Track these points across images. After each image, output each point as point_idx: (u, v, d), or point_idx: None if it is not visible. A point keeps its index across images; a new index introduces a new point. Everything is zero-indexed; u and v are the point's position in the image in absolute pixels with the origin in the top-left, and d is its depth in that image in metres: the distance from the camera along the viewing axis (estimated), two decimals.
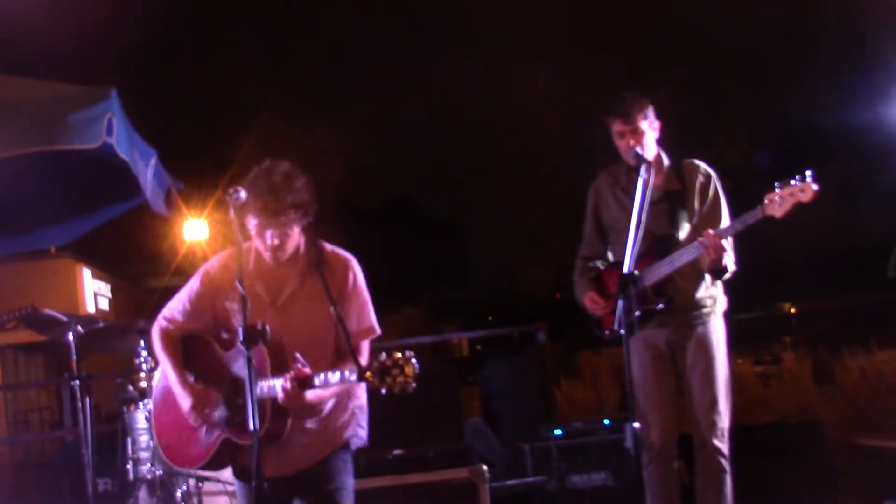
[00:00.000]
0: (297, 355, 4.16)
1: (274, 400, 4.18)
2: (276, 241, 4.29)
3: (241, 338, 3.99)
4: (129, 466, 6.66)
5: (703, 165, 5.69)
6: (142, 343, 6.61)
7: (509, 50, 18.10)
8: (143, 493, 6.50)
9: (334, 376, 4.07)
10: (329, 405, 4.45)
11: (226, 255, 4.55)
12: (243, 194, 4.12)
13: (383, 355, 3.92)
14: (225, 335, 4.46)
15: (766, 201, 5.11)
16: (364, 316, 4.49)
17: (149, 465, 6.52)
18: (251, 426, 3.95)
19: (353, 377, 4.00)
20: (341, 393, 4.43)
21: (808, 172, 5.04)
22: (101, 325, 7.40)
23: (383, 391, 3.89)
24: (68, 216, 7.47)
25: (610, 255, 5.82)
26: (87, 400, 6.42)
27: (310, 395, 4.18)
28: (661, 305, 5.47)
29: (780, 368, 11.90)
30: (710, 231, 5.26)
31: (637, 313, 5.29)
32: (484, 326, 20.33)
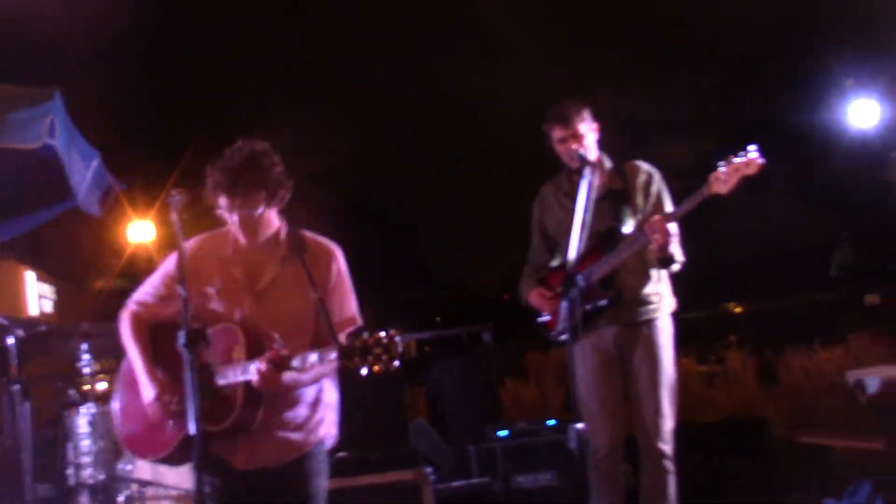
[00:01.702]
0: (276, 336, 4.06)
1: (247, 386, 4.07)
2: (243, 223, 4.21)
3: (182, 341, 3.89)
4: (70, 471, 6.56)
5: (645, 165, 5.72)
6: (84, 347, 6.53)
7: (471, 51, 18.08)
8: (84, 499, 6.42)
9: (313, 356, 3.97)
10: (306, 398, 4.35)
11: (206, 237, 4.45)
12: (184, 197, 4.06)
13: (365, 335, 3.84)
14: (197, 324, 4.18)
15: (710, 179, 5.05)
16: (346, 306, 4.39)
17: (90, 469, 6.44)
18: (192, 429, 3.82)
19: (333, 356, 3.90)
20: (317, 387, 4.36)
21: (751, 146, 5.00)
22: (44, 328, 7.30)
23: (363, 371, 3.80)
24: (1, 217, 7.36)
25: (556, 263, 5.83)
26: (27, 404, 6.32)
27: (287, 378, 4.08)
28: (608, 300, 5.46)
29: (725, 368, 11.99)
30: (656, 216, 5.25)
31: (587, 307, 5.30)
32: (432, 327, 20.30)
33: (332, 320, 4.19)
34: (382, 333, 3.83)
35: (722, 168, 5.02)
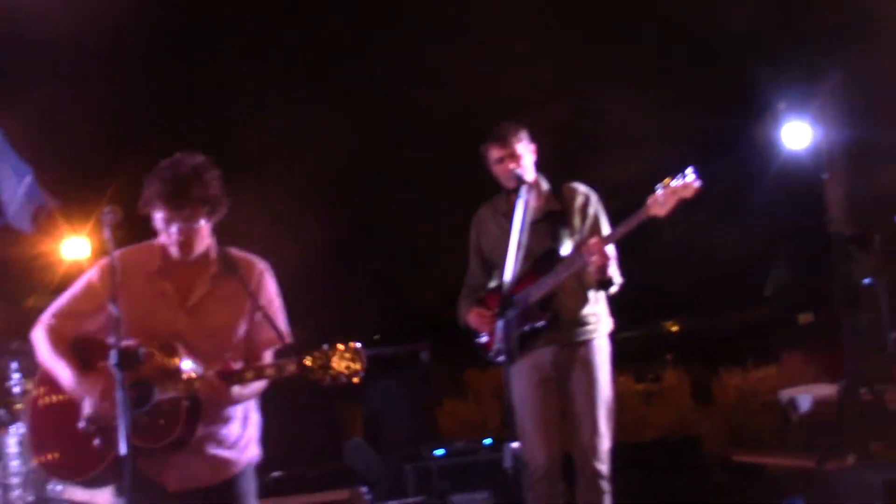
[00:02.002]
0: (216, 351, 4.04)
1: (190, 401, 4.01)
2: (182, 237, 4.12)
3: (114, 360, 3.80)
4: None
5: (582, 187, 5.74)
6: (14, 365, 6.42)
7: (406, 65, 18.05)
8: None
9: (270, 370, 3.96)
10: (238, 415, 4.29)
11: (129, 251, 4.33)
12: (117, 214, 3.99)
13: (325, 346, 3.84)
14: (128, 342, 4.06)
15: (648, 202, 5.11)
16: (278, 322, 4.32)
17: (19, 491, 6.33)
18: (122, 449, 3.70)
19: (292, 367, 3.88)
20: (246, 404, 4.30)
21: (688, 169, 5.06)
22: None
23: (327, 381, 3.80)
24: None
25: (494, 284, 5.84)
26: None
27: (234, 391, 4.04)
28: (545, 321, 5.48)
29: (662, 387, 12.09)
30: (594, 239, 5.29)
31: (525, 328, 5.32)
32: (370, 345, 20.21)
33: (262, 336, 4.18)
34: (342, 346, 3.84)
35: (659, 191, 5.08)
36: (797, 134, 6.16)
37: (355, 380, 3.84)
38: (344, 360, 3.82)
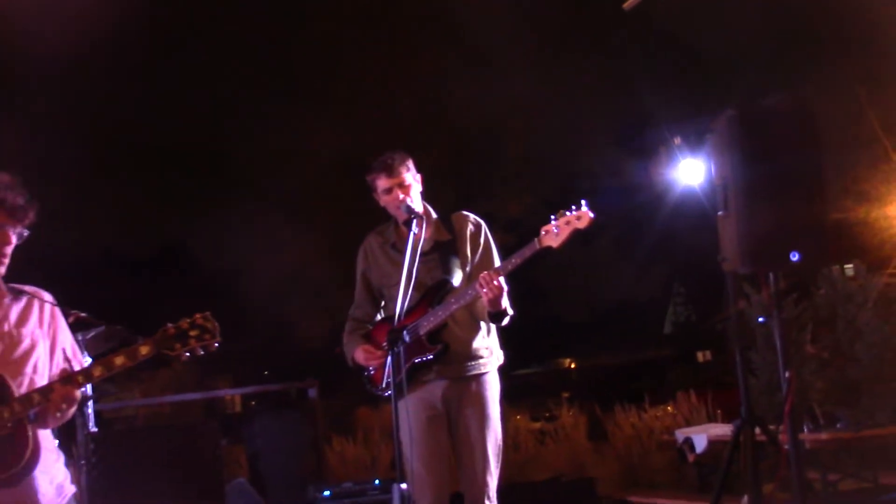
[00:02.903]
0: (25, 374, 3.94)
1: (31, 423, 3.88)
2: None
3: None
4: None
5: (472, 216, 5.74)
6: None
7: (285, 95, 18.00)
8: None
9: (119, 358, 3.86)
10: (53, 443, 4.13)
11: None
12: None
13: (169, 326, 3.84)
14: None
15: (542, 232, 5.13)
16: (68, 347, 4.21)
17: None
18: None
19: (146, 349, 3.83)
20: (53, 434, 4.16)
21: (583, 201, 5.11)
22: None
23: (186, 356, 3.79)
24: None
25: (381, 316, 5.80)
26: None
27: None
28: (435, 354, 5.44)
29: (557, 425, 12.15)
30: (486, 272, 5.29)
31: (414, 360, 5.29)
32: (258, 381, 20.03)
33: (57, 361, 4.09)
34: (189, 320, 3.84)
35: (553, 222, 5.13)
36: (692, 170, 6.27)
37: (215, 344, 3.84)
38: (195, 329, 3.82)
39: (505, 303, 5.32)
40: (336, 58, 17.45)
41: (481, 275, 5.23)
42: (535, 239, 5.15)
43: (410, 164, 5.57)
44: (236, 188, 18.52)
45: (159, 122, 17.14)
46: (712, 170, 4.98)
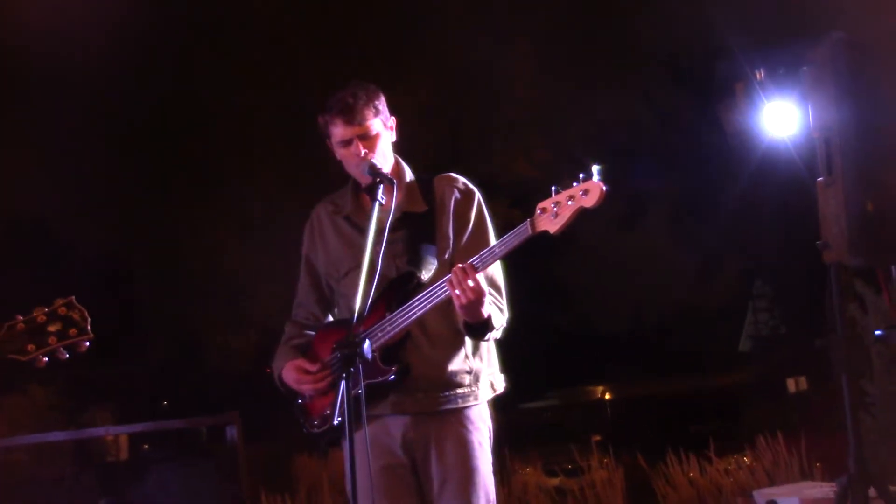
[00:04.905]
0: None
1: None
2: None
3: None
4: None
5: (462, 179, 5.59)
6: None
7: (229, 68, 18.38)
8: None
9: None
10: None
11: None
12: None
13: (18, 318, 3.87)
14: None
15: (537, 211, 4.95)
16: None
17: None
18: None
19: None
20: None
21: (594, 168, 4.91)
22: None
23: (44, 361, 3.83)
24: None
25: (331, 320, 5.72)
26: None
27: None
28: (392, 377, 5.30)
29: (583, 482, 12.17)
30: (460, 265, 5.10)
31: (366, 383, 5.03)
32: (152, 417, 20.06)
33: None
34: (58, 300, 3.89)
35: (551, 198, 4.96)
36: (781, 119, 6.26)
37: (85, 343, 3.90)
38: (55, 322, 3.88)
39: (487, 311, 5.18)
40: None
41: (454, 269, 5.09)
42: (528, 220, 4.98)
43: (381, 104, 5.36)
44: None
45: None
46: (809, 118, 4.96)
